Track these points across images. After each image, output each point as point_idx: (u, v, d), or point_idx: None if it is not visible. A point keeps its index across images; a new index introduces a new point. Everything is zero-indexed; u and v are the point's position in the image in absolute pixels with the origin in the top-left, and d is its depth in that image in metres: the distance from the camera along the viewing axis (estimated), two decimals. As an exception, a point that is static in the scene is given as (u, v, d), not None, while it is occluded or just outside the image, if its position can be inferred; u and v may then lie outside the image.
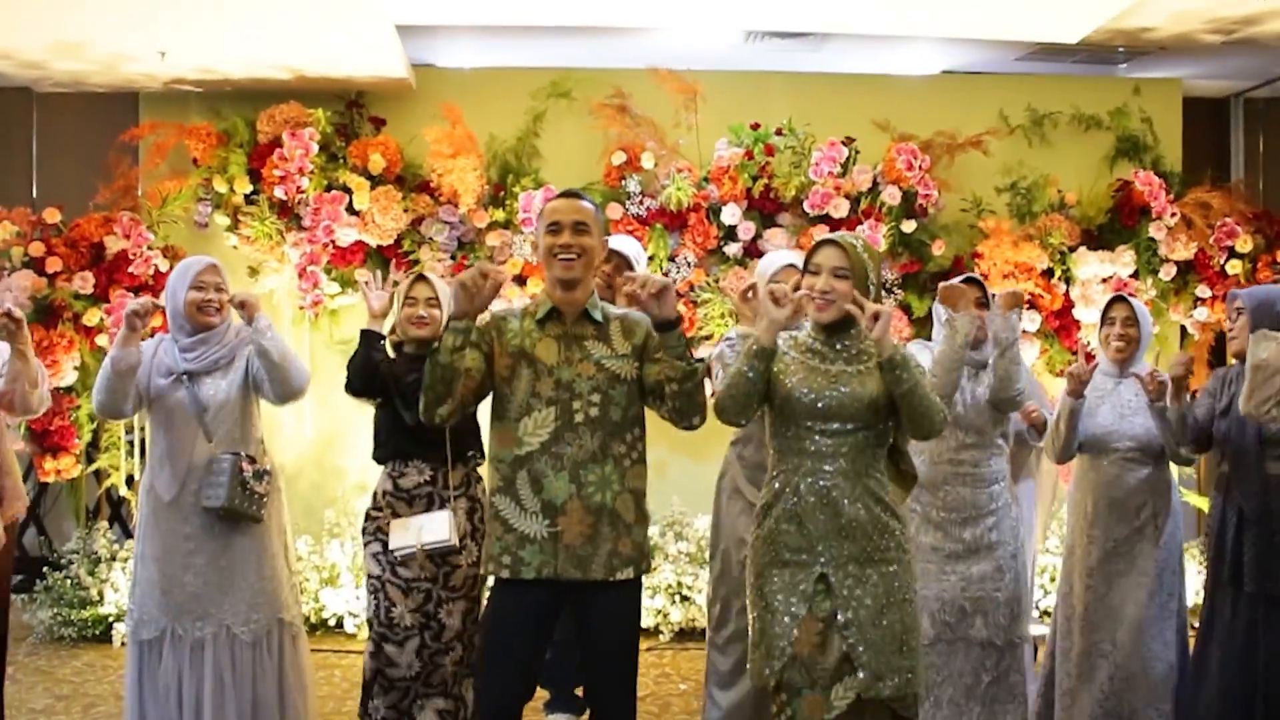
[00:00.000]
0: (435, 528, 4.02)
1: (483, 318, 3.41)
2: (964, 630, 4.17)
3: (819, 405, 3.23)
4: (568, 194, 3.48)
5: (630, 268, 4.42)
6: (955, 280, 4.22)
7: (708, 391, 3.43)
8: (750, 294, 4.13)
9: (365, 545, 4.22)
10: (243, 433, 4.09)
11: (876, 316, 3.19)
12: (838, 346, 3.31)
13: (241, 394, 4.09)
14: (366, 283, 4.33)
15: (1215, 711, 3.96)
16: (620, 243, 4.56)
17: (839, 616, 3.21)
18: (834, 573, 3.23)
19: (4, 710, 4.36)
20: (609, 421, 3.35)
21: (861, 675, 3.17)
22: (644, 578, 3.49)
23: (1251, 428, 3.91)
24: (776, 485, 3.31)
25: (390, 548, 4.06)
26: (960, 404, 4.16)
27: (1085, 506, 4.39)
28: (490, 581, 3.48)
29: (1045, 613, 6.54)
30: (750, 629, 3.36)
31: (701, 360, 3.39)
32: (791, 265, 4.06)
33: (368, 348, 4.15)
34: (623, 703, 3.44)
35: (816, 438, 3.25)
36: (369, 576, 4.19)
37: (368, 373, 4.13)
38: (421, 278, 4.26)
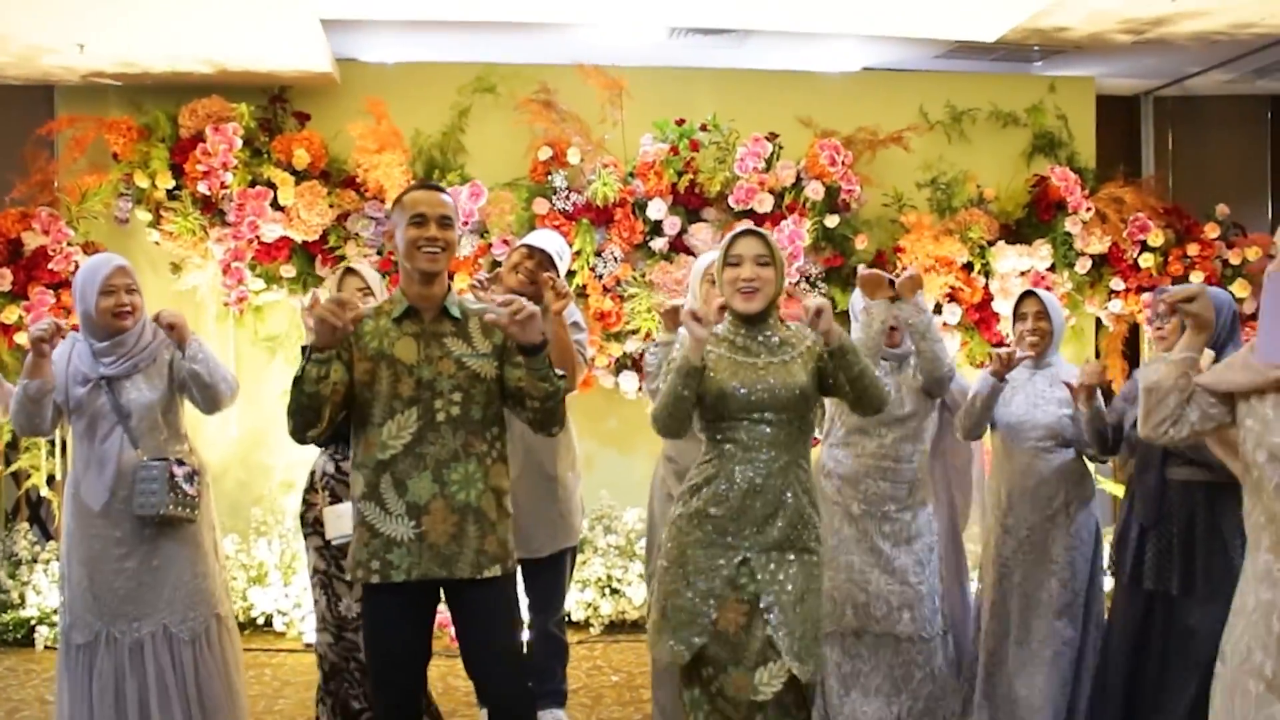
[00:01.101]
0: None
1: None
2: (890, 624, 4.23)
3: (751, 398, 3.32)
4: (427, 185, 3.45)
5: (553, 265, 4.42)
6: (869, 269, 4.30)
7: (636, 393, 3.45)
8: (674, 315, 4.12)
9: (305, 538, 4.22)
10: (168, 434, 4.02)
11: (819, 311, 3.31)
12: (759, 339, 3.40)
13: (165, 395, 4.00)
14: (307, 308, 4.23)
15: (1110, 697, 4.07)
16: (543, 238, 4.56)
17: (762, 600, 3.29)
18: (756, 558, 3.32)
19: None
20: (470, 420, 3.33)
21: (784, 658, 3.26)
22: (513, 581, 3.47)
23: None
24: (710, 470, 3.37)
25: (327, 538, 4.05)
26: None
27: (1000, 495, 4.48)
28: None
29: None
30: (658, 602, 3.41)
31: (563, 378, 3.38)
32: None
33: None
34: (515, 694, 3.43)
35: (750, 425, 3.33)
36: (314, 571, 4.19)
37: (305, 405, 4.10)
38: (350, 270, 4.25)
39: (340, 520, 4.00)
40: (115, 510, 3.92)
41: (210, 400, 4.03)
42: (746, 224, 3.53)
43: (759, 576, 3.30)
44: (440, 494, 3.29)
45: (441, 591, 3.40)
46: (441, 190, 3.44)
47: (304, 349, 4.07)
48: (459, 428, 3.31)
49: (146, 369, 3.99)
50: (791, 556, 3.33)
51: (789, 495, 3.33)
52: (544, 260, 4.41)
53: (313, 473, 4.24)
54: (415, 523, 3.28)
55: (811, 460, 3.50)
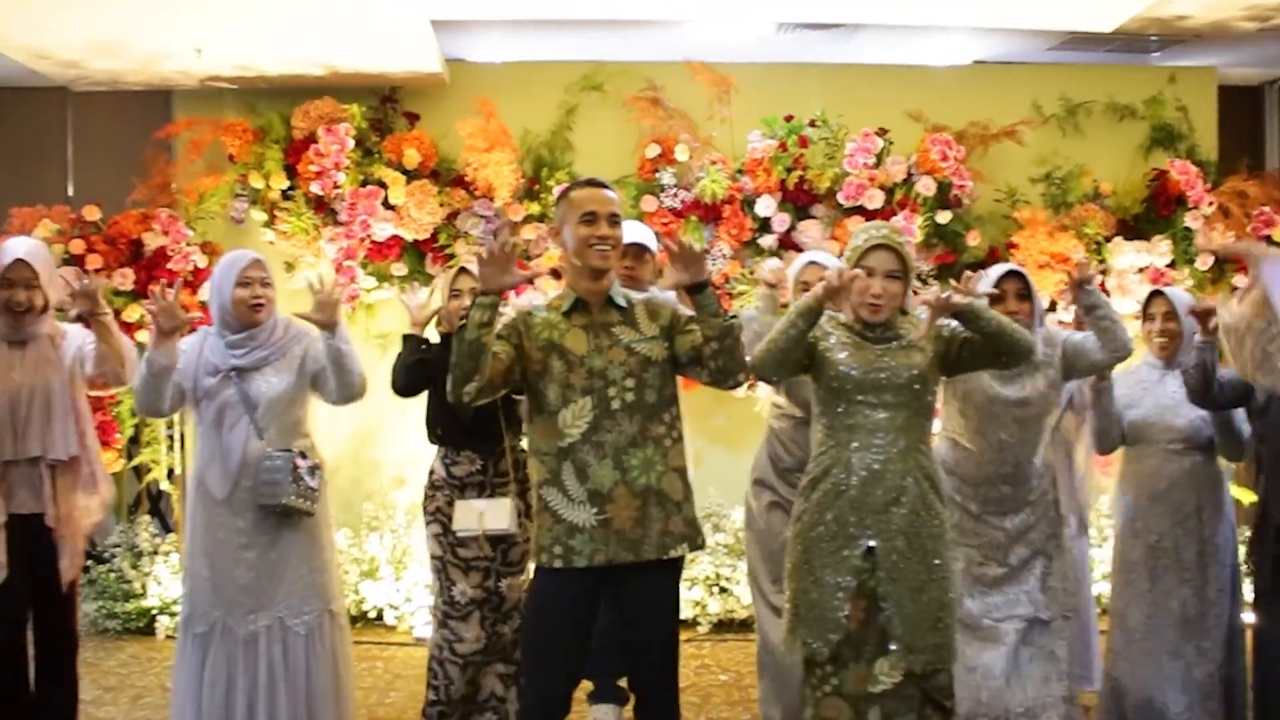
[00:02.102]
0: (498, 515, 4.16)
1: (509, 313, 3.43)
2: (1007, 609, 4.05)
3: (869, 378, 3.33)
4: (595, 183, 3.47)
5: (646, 250, 4.42)
6: (994, 272, 4.13)
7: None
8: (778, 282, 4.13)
9: (426, 524, 4.35)
10: (293, 427, 4.09)
11: (930, 304, 3.34)
12: (877, 329, 3.43)
13: (293, 389, 4.06)
14: (405, 296, 4.36)
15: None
16: (635, 231, 4.51)
17: (880, 590, 3.29)
18: (881, 545, 3.31)
19: (78, 702, 4.40)
20: (645, 404, 3.37)
21: (894, 648, 3.26)
22: (683, 569, 3.52)
23: None
24: (826, 461, 3.38)
25: (454, 528, 4.19)
26: (1002, 405, 4.01)
27: (1130, 499, 4.36)
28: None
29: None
30: (790, 601, 3.42)
31: (734, 317, 3.39)
32: (814, 263, 4.13)
33: (410, 351, 4.24)
34: (668, 684, 3.47)
35: (866, 412, 3.34)
36: (432, 557, 4.34)
37: (411, 375, 4.23)
38: (464, 270, 4.32)
39: (468, 514, 4.17)
40: (238, 500, 3.99)
41: (346, 387, 4.06)
42: (879, 229, 3.44)
43: (882, 566, 3.30)
44: (622, 480, 3.33)
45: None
46: (608, 187, 3.47)
47: (405, 337, 4.28)
48: (634, 413, 3.36)
49: (276, 362, 4.06)
50: (915, 545, 3.32)
51: (910, 480, 3.32)
52: (640, 253, 4.39)
53: (432, 471, 4.39)
54: (598, 509, 3.33)
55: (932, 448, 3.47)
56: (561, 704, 3.42)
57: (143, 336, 6.08)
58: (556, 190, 6.24)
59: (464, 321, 3.26)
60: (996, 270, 4.14)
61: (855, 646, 3.30)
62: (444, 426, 4.30)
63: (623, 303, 3.44)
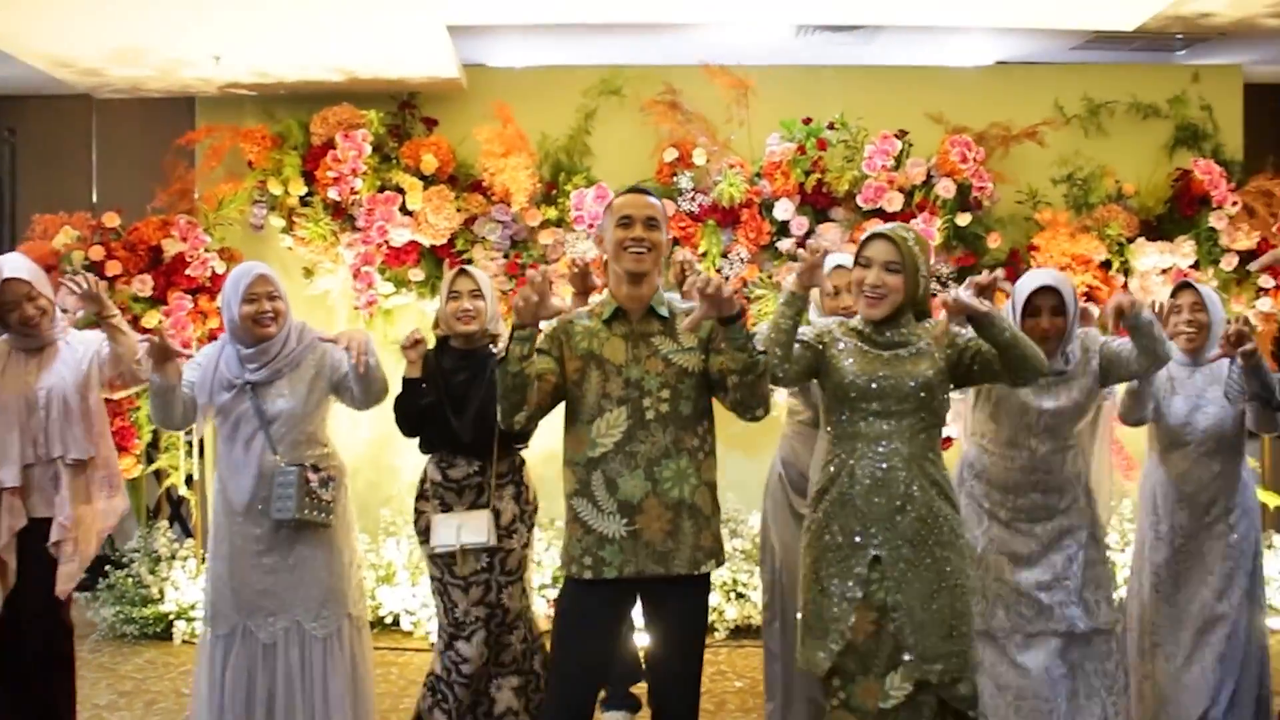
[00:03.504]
0: (474, 528, 4.13)
1: (550, 323, 3.42)
2: (1041, 623, 3.91)
3: (873, 386, 3.28)
4: (637, 190, 3.47)
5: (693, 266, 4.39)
6: (1025, 286, 3.92)
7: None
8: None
9: (421, 544, 4.32)
10: (308, 440, 4.11)
11: (947, 304, 3.30)
12: (887, 334, 3.36)
13: (307, 401, 4.08)
14: (408, 343, 4.20)
15: None
16: None
17: (889, 599, 3.23)
18: (887, 554, 3.25)
19: (75, 705, 4.41)
20: (680, 416, 3.35)
21: (908, 658, 3.20)
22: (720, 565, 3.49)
23: None
24: (832, 469, 3.34)
25: (433, 544, 4.16)
26: (1035, 415, 3.89)
27: (1154, 501, 4.30)
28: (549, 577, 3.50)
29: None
30: (802, 612, 3.38)
31: (764, 354, 3.34)
32: (842, 266, 4.05)
33: (409, 395, 4.18)
34: (690, 701, 3.44)
35: (871, 419, 3.29)
36: (431, 578, 4.30)
37: (413, 421, 4.21)
38: (463, 271, 4.29)
39: (445, 530, 4.14)
40: (256, 511, 4.04)
41: (371, 395, 4.10)
42: (881, 225, 3.42)
43: (890, 575, 3.24)
44: (653, 491, 3.31)
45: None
46: (649, 194, 3.45)
47: (405, 381, 4.17)
48: (668, 424, 3.33)
49: (290, 375, 4.08)
50: (923, 553, 3.26)
51: (915, 488, 3.26)
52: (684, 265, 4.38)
53: (422, 480, 4.33)
54: (628, 520, 3.31)
55: (945, 458, 3.42)
56: (584, 713, 3.42)
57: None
58: (574, 195, 6.25)
59: (504, 356, 3.25)
60: (1029, 284, 3.91)
61: (863, 659, 3.24)
62: (438, 436, 4.25)
63: (664, 312, 3.42)
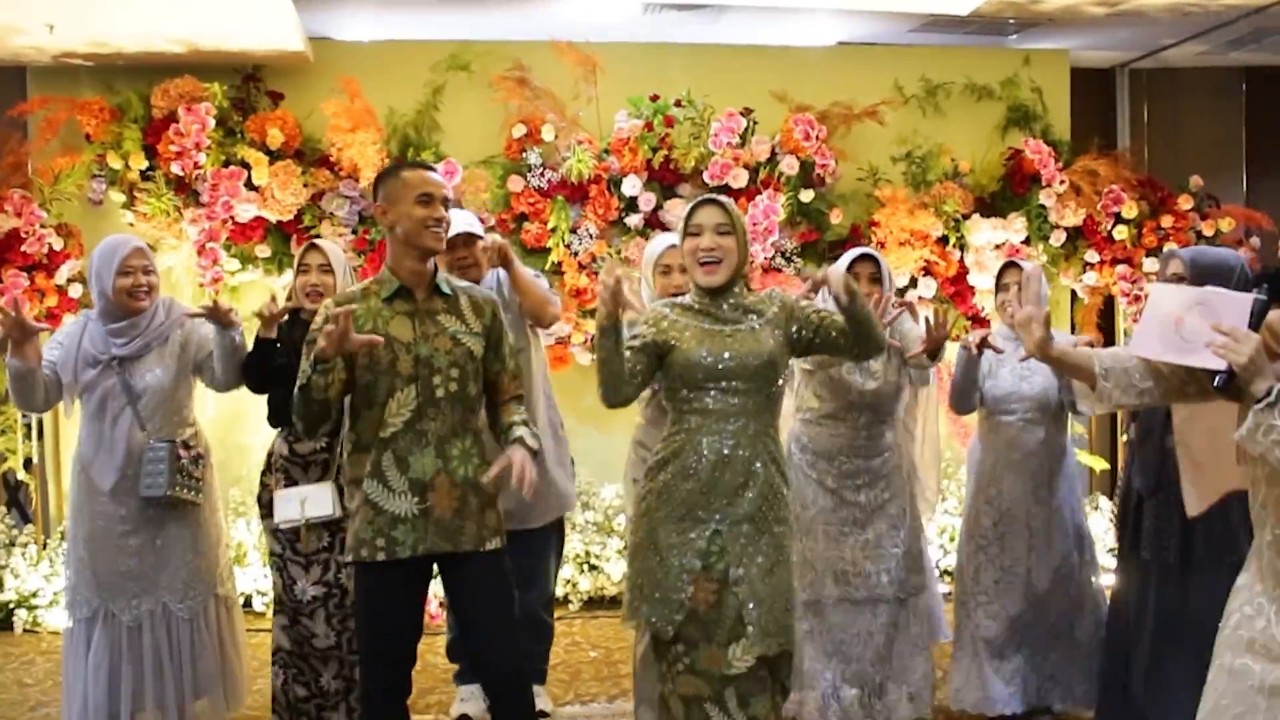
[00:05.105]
0: (319, 500, 4.04)
1: (323, 311, 3.34)
2: (869, 588, 4.21)
3: (719, 366, 3.30)
4: (426, 165, 3.46)
5: (476, 238, 4.31)
6: (847, 256, 4.24)
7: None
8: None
9: (263, 520, 4.26)
10: (177, 416, 4.07)
11: (816, 284, 3.43)
12: (725, 305, 3.39)
13: (175, 377, 4.04)
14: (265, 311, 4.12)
15: (1112, 671, 4.04)
16: (464, 220, 4.38)
17: (731, 573, 3.29)
18: (727, 530, 3.30)
19: None
20: (467, 396, 3.40)
21: (751, 630, 3.26)
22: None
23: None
24: (676, 442, 3.36)
25: (276, 520, 4.09)
26: (859, 388, 4.19)
27: (984, 467, 4.50)
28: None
29: (946, 572, 6.71)
30: (634, 577, 3.42)
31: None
32: (674, 246, 4.12)
33: (263, 354, 4.10)
34: (513, 667, 3.47)
35: (716, 396, 3.31)
36: (271, 554, 4.24)
37: (264, 374, 4.13)
38: (313, 245, 4.25)
39: (288, 504, 4.06)
40: (123, 490, 3.98)
41: (233, 374, 4.08)
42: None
43: (730, 550, 3.29)
44: (444, 469, 3.34)
45: (435, 567, 3.45)
46: (434, 169, 3.47)
47: (259, 341, 4.10)
48: (456, 403, 3.36)
49: (159, 349, 4.02)
50: (762, 529, 3.32)
51: (758, 465, 3.31)
52: (466, 240, 4.30)
53: (269, 454, 4.28)
54: (419, 499, 3.32)
55: (780, 432, 3.51)
56: (402, 688, 3.46)
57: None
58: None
59: (306, 383, 3.21)
60: (850, 254, 4.24)
61: (706, 627, 3.28)
62: (285, 405, 4.19)
63: (448, 290, 3.43)
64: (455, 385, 3.36)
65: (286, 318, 4.22)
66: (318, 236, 6.17)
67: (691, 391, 3.34)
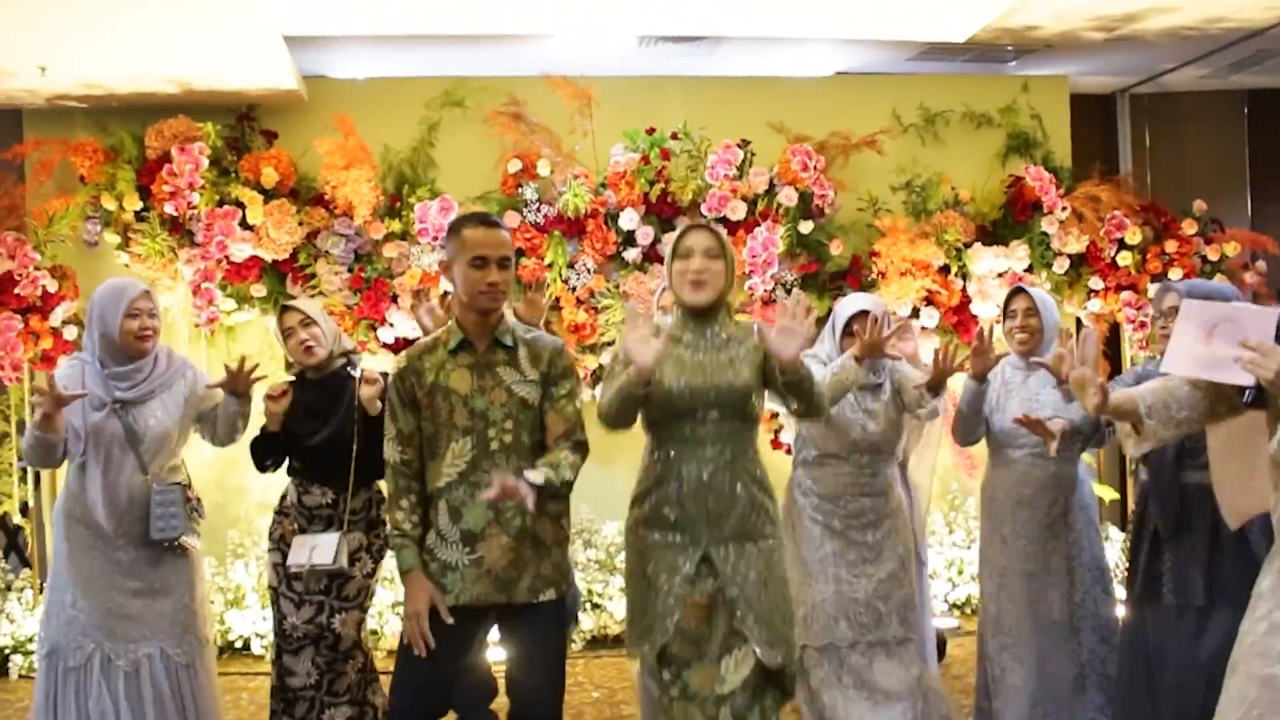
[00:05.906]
0: (323, 549, 4.11)
1: (398, 364, 3.42)
2: (881, 632, 4.17)
3: (696, 397, 3.33)
4: (488, 222, 3.41)
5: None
6: (844, 312, 4.28)
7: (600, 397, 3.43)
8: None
9: (269, 551, 4.30)
10: (173, 462, 4.08)
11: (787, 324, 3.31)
12: (706, 334, 3.42)
13: (176, 423, 4.04)
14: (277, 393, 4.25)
15: (1131, 711, 3.94)
16: None
17: (726, 592, 3.31)
18: (715, 550, 3.32)
19: None
20: (521, 446, 3.37)
21: (752, 644, 3.28)
22: (563, 596, 3.50)
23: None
24: (658, 471, 3.38)
25: (288, 562, 4.15)
26: (861, 429, 4.18)
27: (995, 503, 4.39)
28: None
29: (954, 605, 6.63)
30: (628, 610, 3.47)
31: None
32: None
33: (265, 445, 4.25)
34: (545, 715, 3.44)
35: (695, 425, 3.34)
36: (269, 586, 4.29)
37: (263, 464, 4.30)
38: (286, 307, 4.28)
39: (301, 550, 4.14)
40: (122, 534, 3.95)
41: (233, 435, 4.18)
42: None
43: (721, 570, 3.31)
44: (495, 520, 3.33)
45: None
46: (500, 226, 3.44)
47: (265, 434, 4.23)
48: (511, 454, 3.35)
49: (163, 395, 4.02)
50: (750, 544, 3.34)
51: (739, 487, 3.34)
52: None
53: (284, 496, 4.33)
54: (470, 549, 3.33)
55: (761, 452, 3.49)
56: None
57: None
58: (418, 207, 6.17)
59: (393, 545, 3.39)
60: (848, 308, 4.27)
61: (697, 644, 3.29)
62: (298, 461, 4.28)
63: (509, 341, 3.43)
64: (510, 437, 3.35)
65: (293, 382, 4.29)
66: (313, 275, 6.17)
67: (671, 420, 3.36)
